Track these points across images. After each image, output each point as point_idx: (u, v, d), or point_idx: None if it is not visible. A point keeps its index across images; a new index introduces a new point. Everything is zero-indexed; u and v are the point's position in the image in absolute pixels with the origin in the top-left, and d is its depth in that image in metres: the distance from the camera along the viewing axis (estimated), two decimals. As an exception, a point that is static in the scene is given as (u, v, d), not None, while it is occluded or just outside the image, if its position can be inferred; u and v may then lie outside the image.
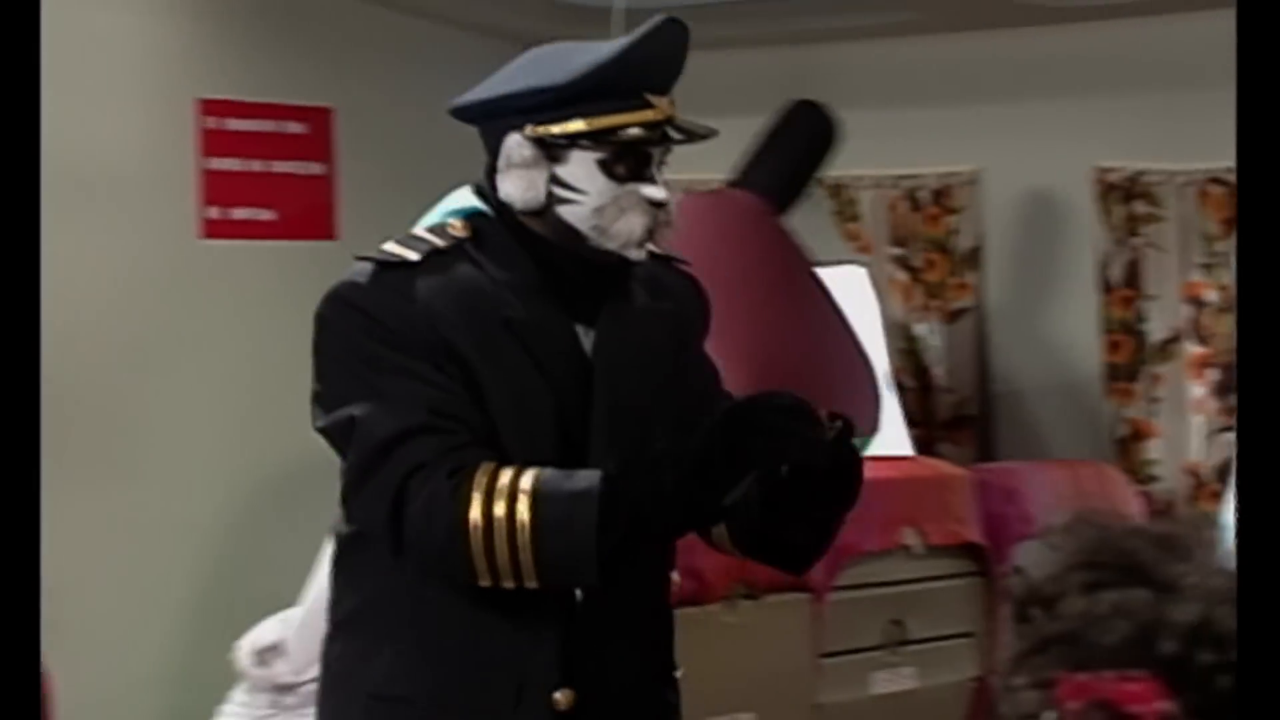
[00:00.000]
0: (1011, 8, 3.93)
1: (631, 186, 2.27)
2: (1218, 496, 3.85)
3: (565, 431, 2.30)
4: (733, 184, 4.05)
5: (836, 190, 4.56)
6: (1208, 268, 3.84)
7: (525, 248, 2.31)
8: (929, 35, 4.25)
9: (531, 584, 2.20)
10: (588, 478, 2.20)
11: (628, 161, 2.27)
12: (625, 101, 2.25)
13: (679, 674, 2.45)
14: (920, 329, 4.31)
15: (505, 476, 2.19)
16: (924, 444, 4.29)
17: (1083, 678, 0.82)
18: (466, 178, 4.92)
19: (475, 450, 2.22)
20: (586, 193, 2.27)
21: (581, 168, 2.27)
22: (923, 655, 3.64)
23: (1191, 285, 3.86)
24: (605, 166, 2.27)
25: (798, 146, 4.12)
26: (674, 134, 2.28)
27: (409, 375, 2.24)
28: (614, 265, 2.32)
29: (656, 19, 2.26)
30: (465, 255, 2.31)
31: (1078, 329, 4.09)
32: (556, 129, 2.26)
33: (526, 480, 2.19)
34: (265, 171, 4.37)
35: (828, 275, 4.09)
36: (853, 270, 4.38)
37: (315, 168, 4.47)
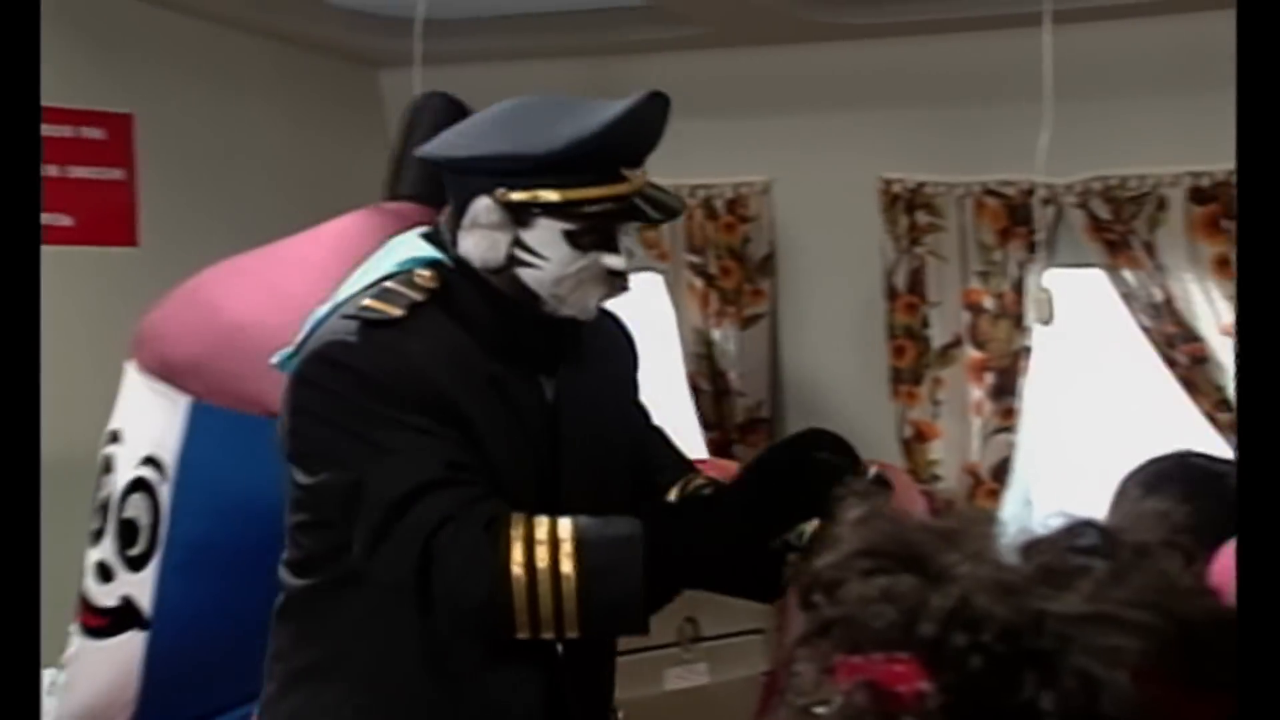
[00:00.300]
0: (801, 24, 4.03)
1: (593, 256, 2.26)
2: (995, 494, 3.98)
3: (540, 478, 2.30)
4: (392, 196, 3.85)
5: (634, 199, 4.63)
6: (985, 275, 3.96)
7: (488, 302, 2.29)
8: (723, 49, 4.35)
9: (573, 634, 2.16)
10: (628, 524, 2.18)
11: (593, 233, 2.26)
12: (600, 174, 2.24)
13: (620, 715, 2.49)
14: (716, 335, 4.38)
15: (543, 526, 2.16)
16: (719, 447, 4.37)
17: (855, 659, 0.85)
18: (266, 183, 4.91)
19: (495, 501, 2.19)
20: (549, 259, 2.25)
21: (547, 234, 2.25)
22: (715, 652, 3.72)
23: (970, 292, 3.98)
24: (570, 236, 2.25)
25: None
26: (646, 210, 2.27)
27: (414, 430, 2.19)
28: (566, 322, 2.32)
29: (642, 95, 2.27)
30: (439, 308, 2.28)
31: (866, 334, 4.18)
32: (527, 197, 2.23)
33: (565, 529, 2.15)
34: (63, 177, 4.32)
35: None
36: (650, 277, 4.45)
37: (114, 173, 4.44)
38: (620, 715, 2.47)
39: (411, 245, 2.36)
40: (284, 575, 2.37)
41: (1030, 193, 3.90)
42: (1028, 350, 3.95)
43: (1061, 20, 3.67)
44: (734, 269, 4.37)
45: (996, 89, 3.93)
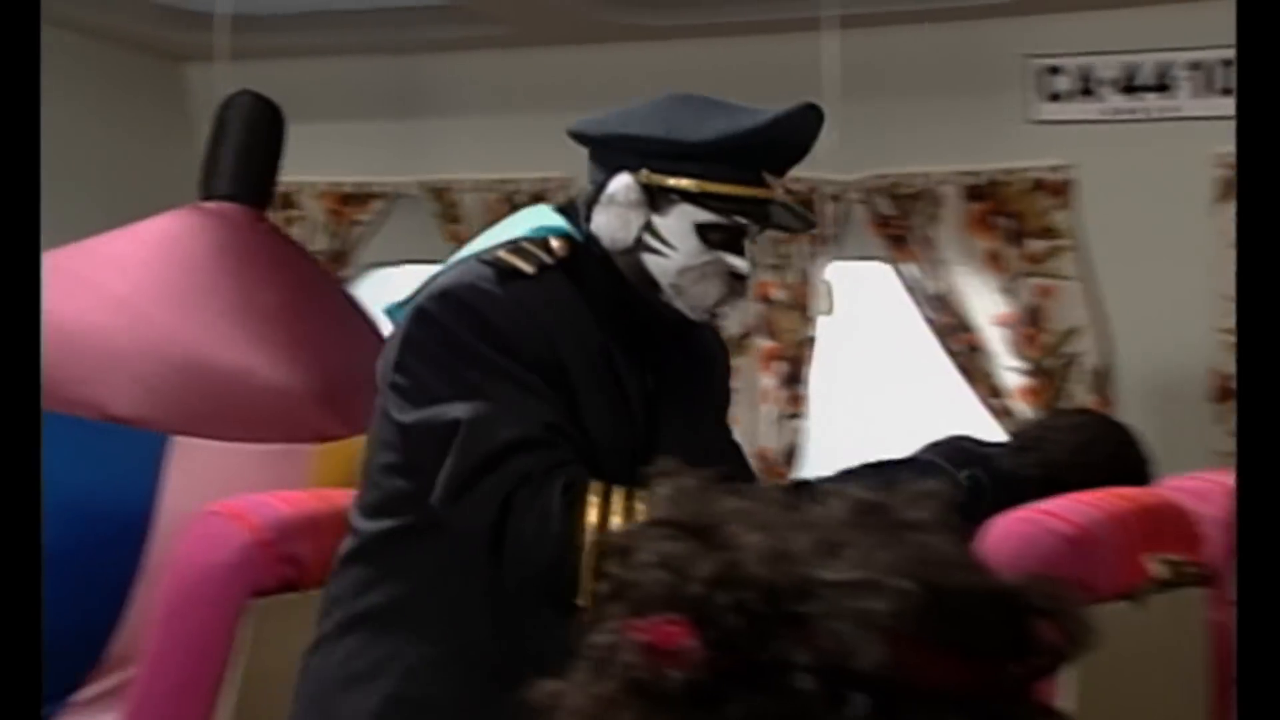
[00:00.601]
0: (599, 25, 4.14)
1: (719, 254, 2.27)
2: (784, 477, 4.14)
3: (633, 458, 2.22)
4: (208, 196, 3.77)
5: (439, 193, 4.72)
6: (776, 269, 4.13)
7: (610, 280, 2.31)
8: (526, 48, 4.44)
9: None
10: None
11: (726, 230, 2.26)
12: (743, 174, 2.25)
13: None
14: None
15: (619, 496, 2.15)
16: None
17: (638, 621, 0.91)
18: (68, 178, 4.89)
19: (581, 468, 2.18)
20: (676, 249, 2.27)
21: (679, 224, 2.27)
22: None
23: (762, 285, 4.14)
24: (701, 230, 2.26)
25: (256, 143, 3.84)
26: (780, 218, 2.28)
27: (522, 386, 2.19)
28: (675, 316, 2.32)
29: (798, 104, 2.25)
30: (567, 275, 2.29)
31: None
32: (670, 181, 2.25)
33: (642, 501, 2.13)
34: None
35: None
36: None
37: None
38: None
39: (545, 215, 2.38)
40: (356, 519, 2.34)
41: (816, 190, 4.09)
42: (813, 340, 4.14)
43: (845, 25, 3.84)
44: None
45: (781, 90, 4.06)
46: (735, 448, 2.56)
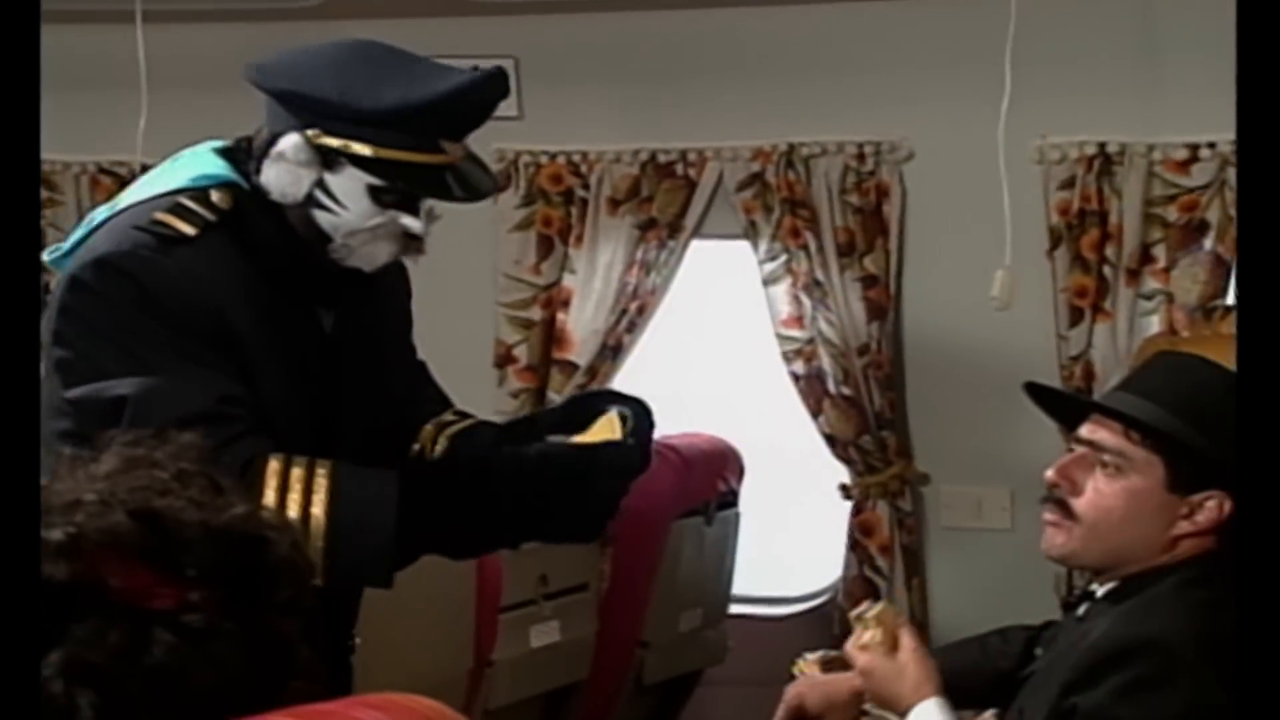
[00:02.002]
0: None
1: (392, 214, 2.24)
2: None
3: (316, 411, 2.29)
4: None
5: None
6: None
7: (279, 232, 2.26)
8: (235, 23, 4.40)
9: (316, 582, 2.17)
10: (383, 479, 2.16)
11: (397, 193, 2.24)
12: (419, 140, 2.21)
13: (357, 641, 2.46)
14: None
15: (298, 471, 2.13)
16: None
17: None
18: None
19: (257, 441, 2.16)
20: (348, 209, 2.23)
21: (351, 184, 2.23)
22: (563, 609, 3.81)
23: None
24: (374, 192, 2.23)
25: None
26: (453, 187, 2.25)
27: (189, 358, 2.15)
28: (336, 271, 2.29)
29: (481, 72, 2.24)
30: (227, 231, 2.23)
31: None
32: (340, 145, 2.21)
33: (321, 478, 2.13)
34: None
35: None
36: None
37: None
38: (358, 641, 2.48)
39: (206, 161, 2.30)
40: None
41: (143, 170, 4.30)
42: None
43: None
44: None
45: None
46: (421, 368, 2.55)
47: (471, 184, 2.27)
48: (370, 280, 2.35)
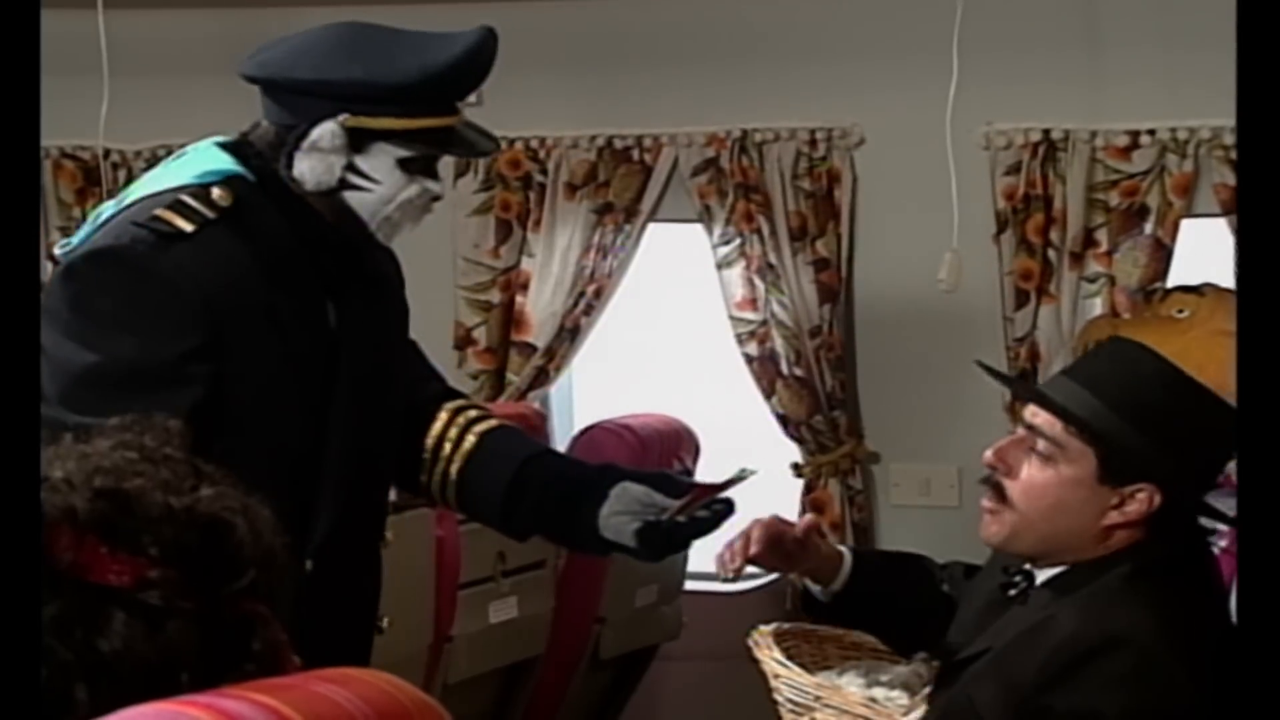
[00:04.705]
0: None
1: (420, 180, 2.34)
2: None
3: (309, 416, 2.34)
4: None
5: None
6: (64, 230, 4.38)
7: (288, 219, 2.32)
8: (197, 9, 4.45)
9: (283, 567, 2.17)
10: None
11: (423, 159, 2.34)
12: (437, 106, 2.32)
13: (385, 623, 2.55)
14: None
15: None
16: None
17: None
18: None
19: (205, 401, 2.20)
20: (381, 183, 2.31)
21: (381, 160, 2.31)
22: (521, 585, 3.88)
23: (53, 245, 4.32)
24: (403, 163, 2.32)
25: None
26: (469, 142, 2.38)
27: (160, 370, 2.21)
28: (367, 244, 2.38)
29: (481, 31, 2.36)
30: (230, 226, 2.28)
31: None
32: (372, 123, 2.29)
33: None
34: None
35: None
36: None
37: None
38: (385, 623, 2.56)
39: (209, 156, 2.35)
40: None
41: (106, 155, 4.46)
42: None
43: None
44: None
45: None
46: (415, 349, 2.63)
47: (483, 137, 2.40)
48: (373, 271, 2.44)
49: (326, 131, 2.29)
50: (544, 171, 4.51)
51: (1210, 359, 3.01)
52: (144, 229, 2.23)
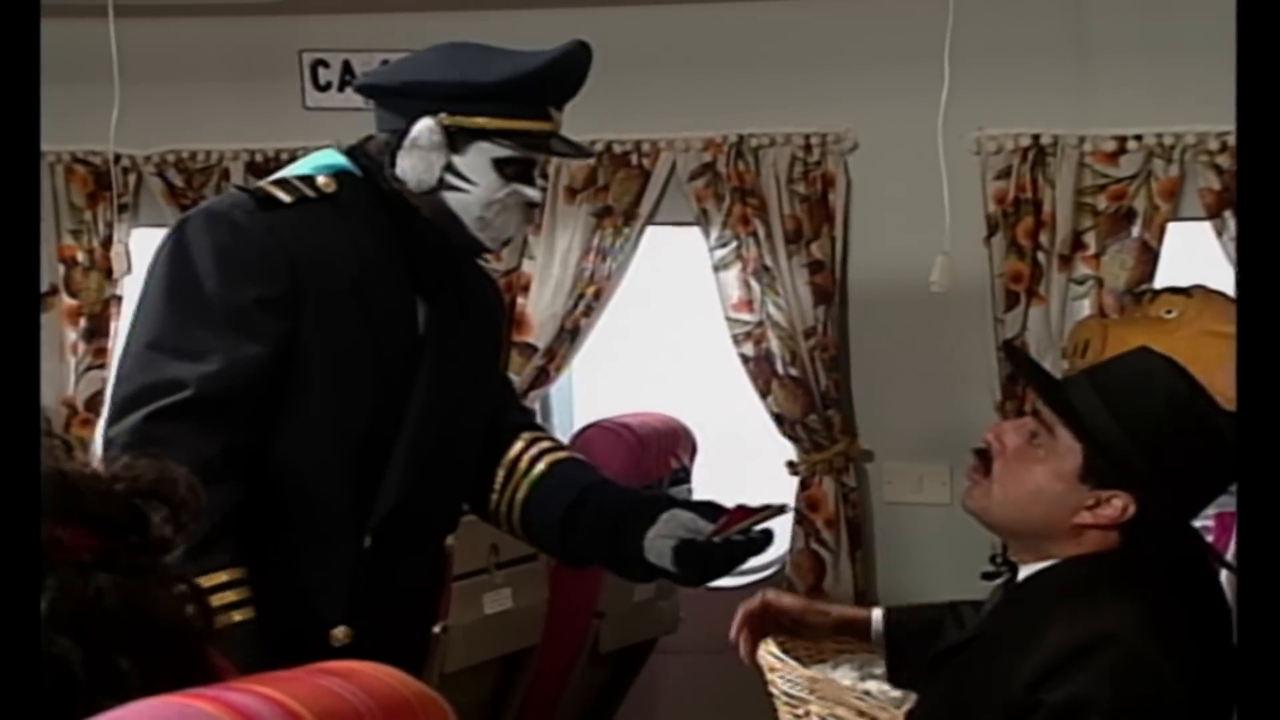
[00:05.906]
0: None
1: (515, 186, 2.45)
2: (90, 423, 4.56)
3: (386, 400, 2.43)
4: None
5: None
6: (77, 234, 4.61)
7: (389, 215, 2.45)
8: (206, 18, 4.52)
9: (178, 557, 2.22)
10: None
11: (519, 164, 2.45)
12: (531, 109, 2.44)
13: (439, 628, 2.64)
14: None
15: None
16: None
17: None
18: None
19: (242, 434, 2.32)
20: (477, 184, 2.42)
21: (478, 160, 2.42)
22: (515, 577, 3.96)
23: (65, 248, 4.61)
24: (499, 165, 2.43)
25: None
26: (561, 148, 2.50)
27: (239, 329, 2.33)
28: (469, 250, 2.50)
29: (573, 43, 2.49)
30: (330, 209, 2.42)
31: None
32: (469, 121, 2.41)
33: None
34: None
35: None
36: None
37: None
38: (439, 628, 2.69)
39: (325, 156, 2.51)
40: None
41: (116, 160, 4.53)
42: (118, 298, 4.59)
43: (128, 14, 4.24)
44: None
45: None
46: (505, 382, 2.79)
47: (573, 146, 2.53)
48: (472, 285, 2.55)
49: (425, 129, 2.41)
50: (544, 175, 4.56)
51: (1196, 358, 3.06)
52: (246, 194, 2.43)
